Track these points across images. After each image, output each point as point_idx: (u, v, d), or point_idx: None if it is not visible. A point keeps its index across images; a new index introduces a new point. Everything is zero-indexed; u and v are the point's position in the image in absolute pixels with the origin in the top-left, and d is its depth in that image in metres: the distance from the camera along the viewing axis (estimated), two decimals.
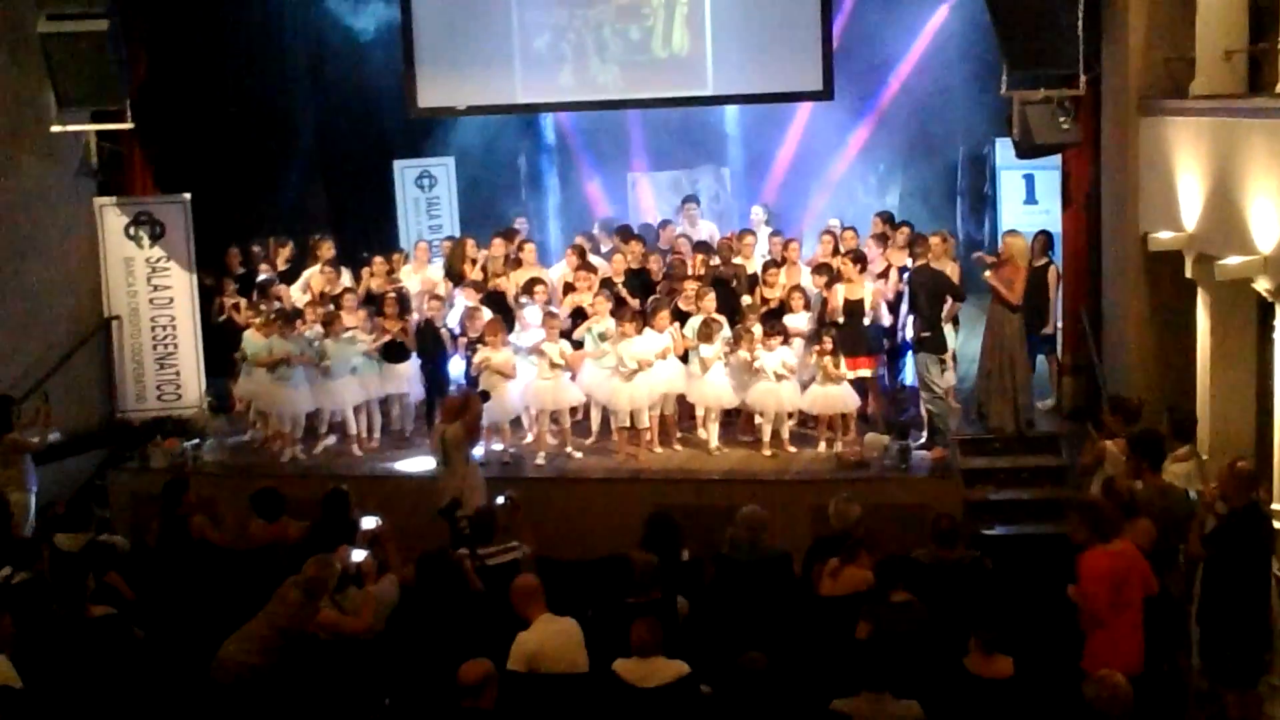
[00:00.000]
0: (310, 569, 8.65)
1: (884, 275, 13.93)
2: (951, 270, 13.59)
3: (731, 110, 19.02)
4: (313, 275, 15.13)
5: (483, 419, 12.28)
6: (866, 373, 13.36)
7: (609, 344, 13.17)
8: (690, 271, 14.35)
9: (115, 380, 15.31)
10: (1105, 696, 6.60)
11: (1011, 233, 13.88)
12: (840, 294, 13.22)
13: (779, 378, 12.96)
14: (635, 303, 13.75)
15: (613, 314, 13.32)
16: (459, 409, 11.65)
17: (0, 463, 12.15)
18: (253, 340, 13.80)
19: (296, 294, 15.00)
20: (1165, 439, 9.94)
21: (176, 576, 9.93)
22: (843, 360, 13.07)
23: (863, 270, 13.42)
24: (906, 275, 13.49)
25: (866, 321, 13.29)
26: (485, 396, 12.28)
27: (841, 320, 13.16)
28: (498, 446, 13.46)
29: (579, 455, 13.42)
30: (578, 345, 13.47)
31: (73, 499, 13.10)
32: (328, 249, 15.27)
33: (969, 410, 13.70)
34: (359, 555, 9.37)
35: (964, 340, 14.28)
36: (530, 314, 13.59)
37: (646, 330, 13.18)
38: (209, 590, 9.60)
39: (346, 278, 15.13)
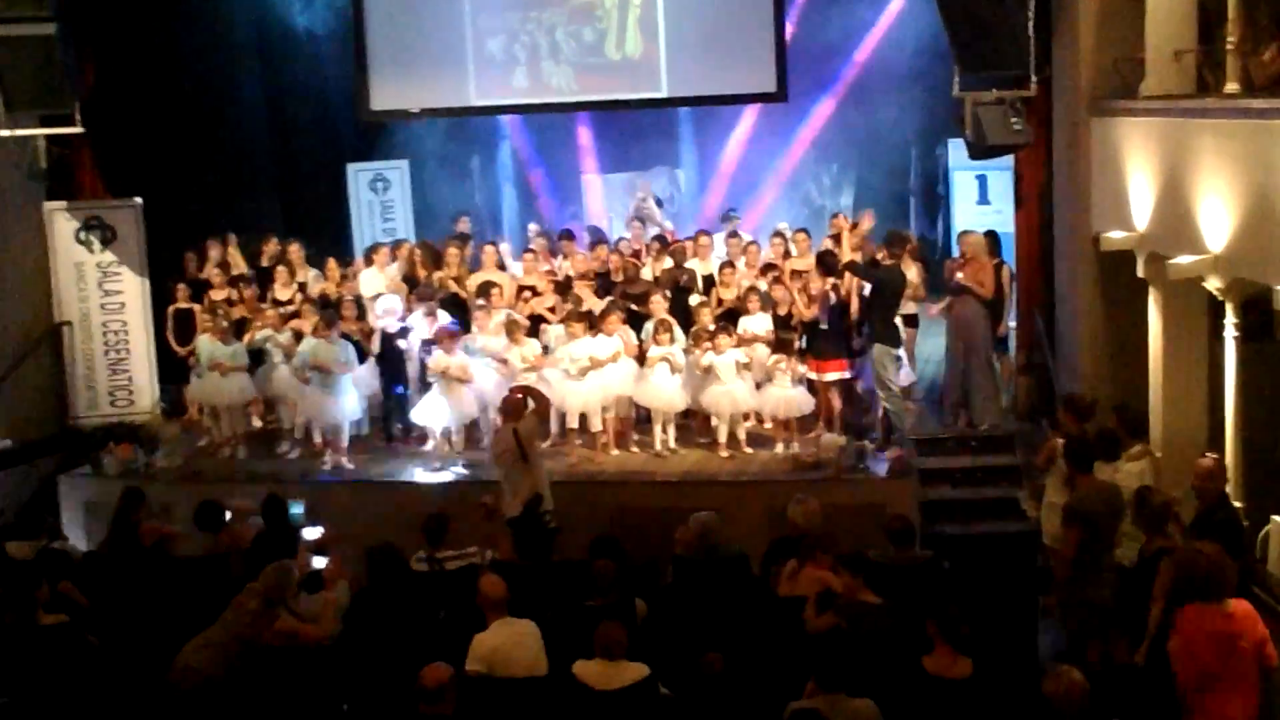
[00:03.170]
0: (270, 576, 8.58)
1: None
2: (915, 272, 13.64)
3: (685, 112, 19.06)
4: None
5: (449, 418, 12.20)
6: (839, 374, 13.26)
7: (564, 348, 13.20)
8: (648, 274, 14.35)
9: (67, 386, 15.18)
10: (1062, 692, 6.63)
11: (968, 232, 13.96)
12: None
13: (735, 368, 12.93)
14: (596, 304, 13.74)
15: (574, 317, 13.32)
16: (522, 406, 11.40)
17: None
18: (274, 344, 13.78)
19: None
20: (1118, 438, 10.01)
21: (128, 583, 9.84)
22: (797, 361, 13.11)
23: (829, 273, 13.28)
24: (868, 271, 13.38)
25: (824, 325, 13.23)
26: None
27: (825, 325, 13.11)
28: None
29: None
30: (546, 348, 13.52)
31: (24, 506, 12.97)
32: (295, 251, 15.17)
33: (933, 410, 13.69)
34: (320, 561, 9.32)
35: (922, 340, 14.31)
36: (484, 317, 13.53)
37: (599, 334, 13.19)
38: (162, 597, 9.51)
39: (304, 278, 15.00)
